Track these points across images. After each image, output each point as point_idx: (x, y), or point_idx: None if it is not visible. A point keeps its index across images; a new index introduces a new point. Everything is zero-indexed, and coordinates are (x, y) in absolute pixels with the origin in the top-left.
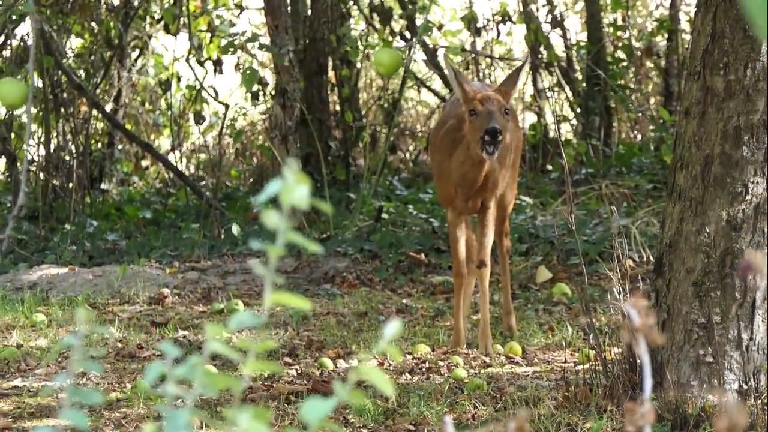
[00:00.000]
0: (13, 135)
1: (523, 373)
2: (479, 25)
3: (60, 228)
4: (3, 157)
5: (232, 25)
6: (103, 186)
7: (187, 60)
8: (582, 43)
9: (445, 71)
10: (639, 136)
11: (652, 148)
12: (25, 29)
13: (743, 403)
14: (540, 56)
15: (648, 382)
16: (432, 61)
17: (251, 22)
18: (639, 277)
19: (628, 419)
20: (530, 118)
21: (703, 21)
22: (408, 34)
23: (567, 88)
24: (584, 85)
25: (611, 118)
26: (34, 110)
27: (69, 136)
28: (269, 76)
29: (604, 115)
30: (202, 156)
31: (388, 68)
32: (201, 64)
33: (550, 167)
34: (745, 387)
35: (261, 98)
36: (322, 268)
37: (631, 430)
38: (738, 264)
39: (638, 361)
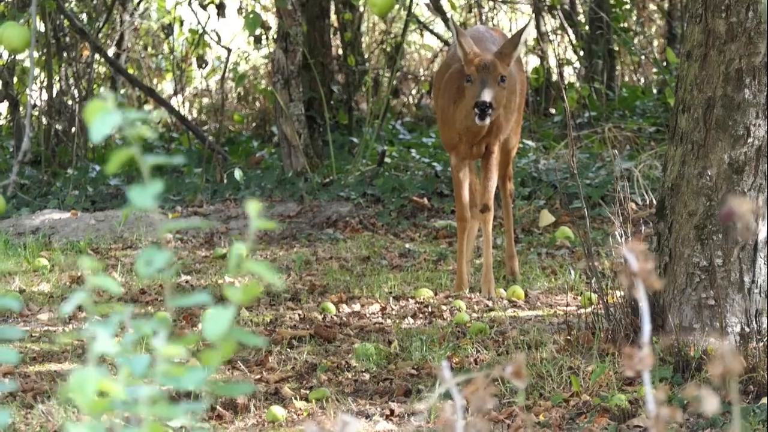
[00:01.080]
0: (15, 79)
1: (525, 316)
2: None
3: (62, 173)
4: (6, 101)
5: None
6: None
7: (190, 4)
8: None
9: (450, 30)
10: (642, 79)
11: (655, 91)
12: None
13: (744, 347)
14: None
15: (647, 327)
16: (435, 4)
17: None
18: (641, 221)
19: (626, 364)
20: (533, 61)
21: None
22: None
23: (570, 31)
24: (587, 28)
25: (614, 61)
26: (36, 54)
27: (71, 81)
28: (272, 20)
29: (607, 58)
30: (205, 100)
31: (381, 8)
32: (204, 7)
33: (553, 111)
34: (747, 330)
35: (263, 42)
36: (324, 212)
37: (629, 374)
38: (720, 210)
39: (640, 305)
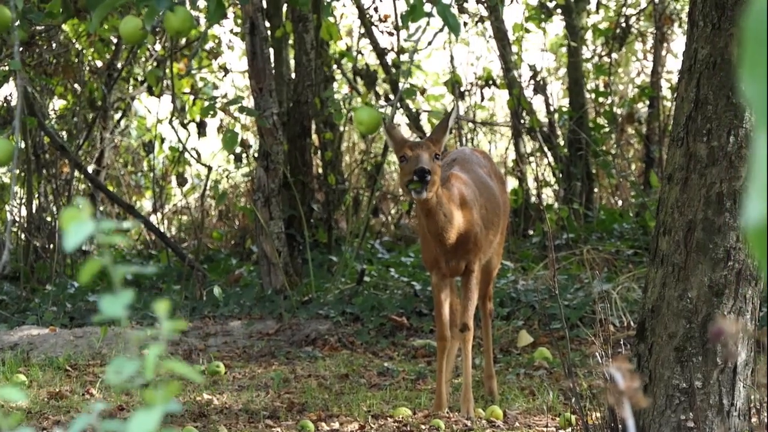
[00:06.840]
0: None
1: None
2: (462, 89)
3: (41, 289)
4: None
5: (216, 87)
6: (84, 247)
7: (170, 122)
8: (564, 109)
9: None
10: (620, 202)
11: (632, 214)
12: (7, 90)
13: None
14: (522, 121)
15: None
16: (415, 125)
17: (235, 85)
18: (620, 342)
19: None
20: (512, 182)
21: (687, 87)
22: (392, 98)
23: (549, 154)
24: (566, 150)
25: (593, 184)
26: (16, 171)
27: (51, 197)
28: (252, 139)
29: (585, 180)
30: (184, 218)
31: (368, 127)
32: (184, 126)
33: (531, 232)
34: None
35: (244, 160)
36: (303, 330)
37: None
38: (710, 329)
39: (620, 426)
